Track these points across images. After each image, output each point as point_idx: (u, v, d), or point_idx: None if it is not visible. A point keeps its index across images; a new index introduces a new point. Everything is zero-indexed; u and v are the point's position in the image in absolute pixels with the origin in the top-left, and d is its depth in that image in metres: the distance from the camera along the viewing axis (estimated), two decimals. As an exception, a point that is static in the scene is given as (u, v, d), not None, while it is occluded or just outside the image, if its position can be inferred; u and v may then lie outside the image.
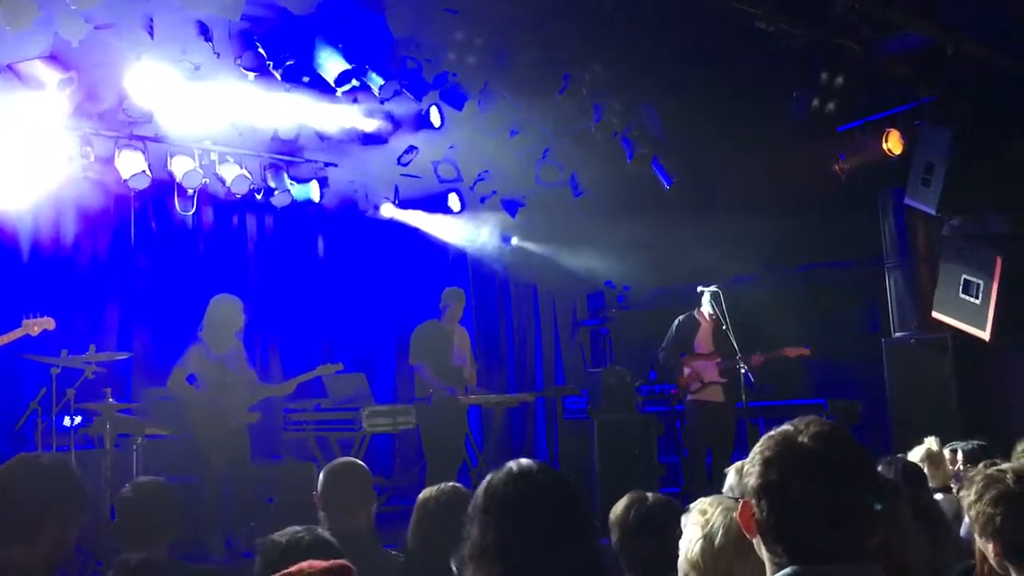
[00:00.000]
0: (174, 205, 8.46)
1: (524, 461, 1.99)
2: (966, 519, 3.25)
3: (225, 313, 6.97)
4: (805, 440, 1.71)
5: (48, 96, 6.76)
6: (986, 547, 2.56)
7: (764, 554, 1.75)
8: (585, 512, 1.97)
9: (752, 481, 1.74)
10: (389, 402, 8.61)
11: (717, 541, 2.26)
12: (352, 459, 4.00)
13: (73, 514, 2.80)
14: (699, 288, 8.24)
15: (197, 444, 6.77)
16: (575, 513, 1.93)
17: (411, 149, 8.78)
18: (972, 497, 2.59)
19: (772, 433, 1.77)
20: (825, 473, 1.68)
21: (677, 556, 2.97)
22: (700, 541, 2.32)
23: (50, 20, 5.98)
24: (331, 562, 1.85)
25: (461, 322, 8.34)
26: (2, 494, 2.74)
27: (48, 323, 6.42)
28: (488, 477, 1.97)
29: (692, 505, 2.48)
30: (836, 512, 1.66)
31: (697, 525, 2.36)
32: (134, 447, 6.50)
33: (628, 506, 3.01)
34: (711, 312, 8.11)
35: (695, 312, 8.35)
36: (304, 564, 1.85)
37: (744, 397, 7.82)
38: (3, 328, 6.47)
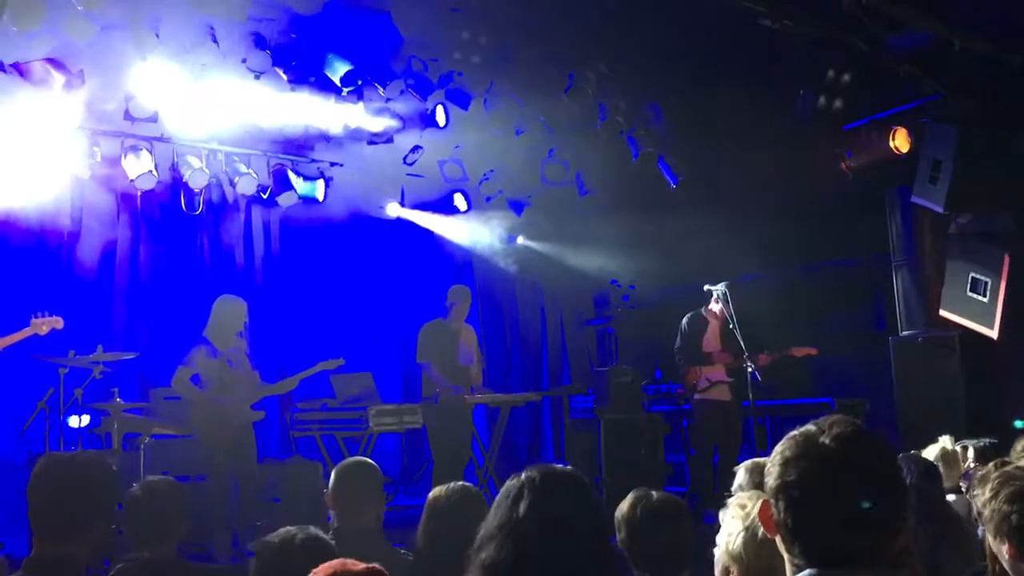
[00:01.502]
0: (180, 204, 8.48)
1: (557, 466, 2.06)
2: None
3: (229, 313, 6.99)
4: (827, 441, 1.67)
5: (55, 96, 6.77)
6: (1000, 548, 2.47)
7: (785, 554, 1.72)
8: (598, 513, 2.00)
9: (771, 481, 1.70)
10: (396, 401, 8.61)
11: (761, 533, 2.24)
12: (364, 458, 4.02)
13: (113, 510, 2.92)
14: (706, 287, 8.23)
15: (202, 443, 6.78)
16: (589, 512, 1.96)
17: (416, 148, 8.79)
18: (987, 495, 2.52)
19: (794, 433, 1.73)
20: (846, 475, 1.63)
21: (684, 552, 2.97)
22: (742, 534, 2.30)
23: (57, 20, 6.00)
24: (367, 566, 1.85)
25: (468, 320, 8.33)
26: (54, 493, 2.81)
27: (57, 322, 6.44)
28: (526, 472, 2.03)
29: (730, 500, 2.47)
30: (856, 514, 1.62)
31: (738, 519, 2.35)
32: (141, 446, 6.50)
33: (634, 504, 3.01)
34: (719, 310, 8.11)
35: (702, 310, 8.35)
36: (337, 563, 1.85)
37: (751, 396, 7.80)
38: (12, 327, 6.50)
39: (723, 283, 8.09)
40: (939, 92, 7.66)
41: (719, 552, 2.38)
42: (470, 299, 8.23)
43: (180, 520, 3.54)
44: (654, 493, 3.04)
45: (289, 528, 2.48)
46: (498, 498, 2.01)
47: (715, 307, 8.17)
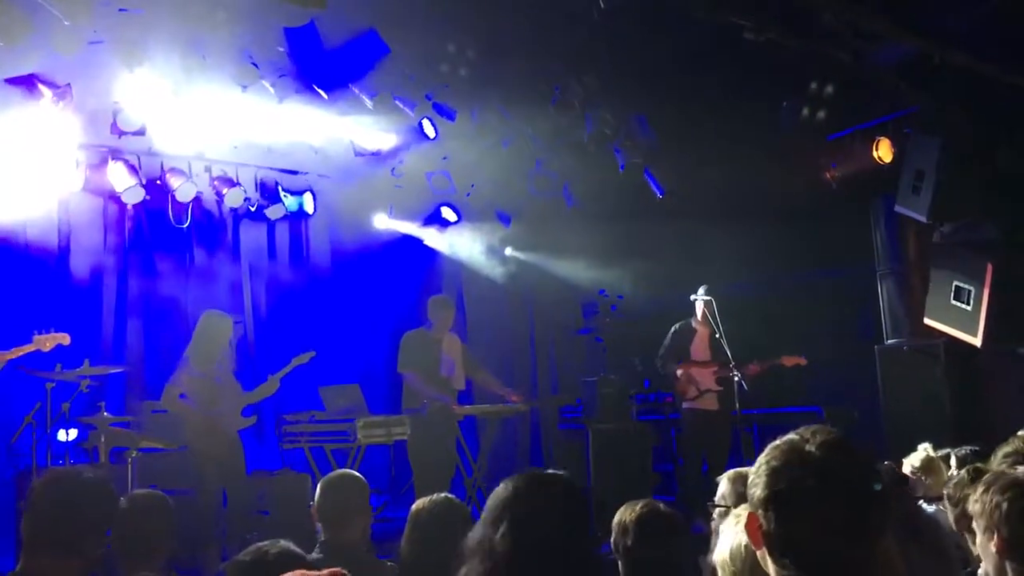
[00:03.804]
0: (168, 218, 8.48)
1: (545, 472, 2.05)
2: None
3: (215, 330, 7.01)
4: (812, 449, 1.67)
5: (42, 110, 6.78)
6: (987, 545, 2.43)
7: (770, 567, 1.70)
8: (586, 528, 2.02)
9: (758, 492, 1.69)
10: (384, 413, 8.60)
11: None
12: (349, 471, 4.03)
13: (107, 531, 2.91)
14: (692, 297, 8.29)
15: (194, 458, 6.79)
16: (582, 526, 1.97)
17: (402, 160, 8.81)
18: (978, 493, 2.49)
19: (778, 442, 1.73)
20: (834, 483, 1.64)
21: (680, 564, 2.98)
22: (742, 545, 2.31)
23: (44, 35, 6.00)
24: (330, 570, 1.85)
25: (457, 331, 8.34)
26: (48, 507, 2.82)
27: (63, 338, 6.36)
28: (509, 482, 2.02)
29: (735, 510, 2.47)
30: (845, 522, 1.63)
31: (737, 528, 2.35)
32: (129, 460, 6.49)
33: (633, 513, 3.01)
34: (703, 316, 8.17)
35: (691, 320, 8.40)
36: (297, 574, 1.85)
37: (738, 405, 7.84)
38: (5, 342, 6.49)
39: (703, 287, 8.16)
40: (921, 103, 7.74)
41: (717, 562, 2.38)
42: (451, 308, 8.23)
43: (168, 535, 3.54)
44: (657, 504, 3.05)
45: (260, 544, 2.44)
46: (498, 492, 2.02)
47: (700, 315, 8.23)
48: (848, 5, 6.57)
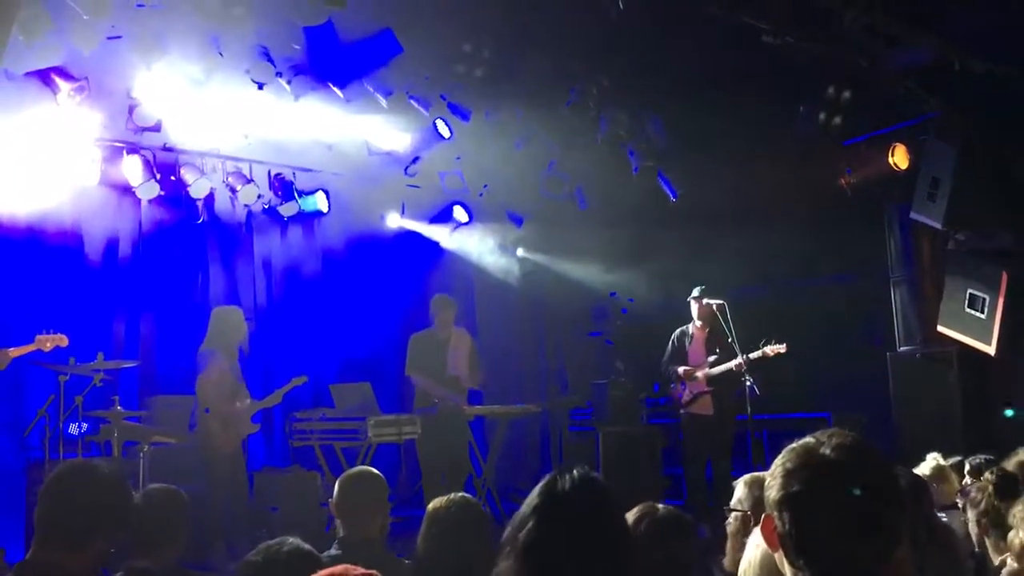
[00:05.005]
0: (182, 214, 8.50)
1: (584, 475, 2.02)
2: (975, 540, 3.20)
3: (231, 323, 7.06)
4: (828, 452, 1.68)
5: (59, 105, 6.81)
6: None
7: (787, 569, 1.71)
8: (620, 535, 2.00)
9: (774, 493, 1.70)
10: (393, 411, 8.61)
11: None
12: (370, 468, 4.04)
13: (120, 526, 2.88)
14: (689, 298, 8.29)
15: (206, 453, 6.81)
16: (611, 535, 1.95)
17: (416, 159, 8.83)
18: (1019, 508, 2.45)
19: (794, 445, 1.73)
20: (849, 485, 1.64)
21: (687, 568, 2.96)
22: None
23: (63, 31, 6.03)
24: (366, 572, 1.85)
25: (469, 331, 8.35)
26: (61, 499, 2.81)
27: (61, 340, 6.43)
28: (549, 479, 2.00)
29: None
30: (860, 525, 1.63)
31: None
32: (141, 455, 6.51)
33: (639, 518, 2.99)
34: (699, 318, 8.14)
35: (689, 325, 8.38)
36: (340, 569, 1.85)
37: (748, 410, 7.80)
38: (13, 335, 6.51)
39: (697, 288, 8.15)
40: (938, 110, 7.71)
41: (744, 566, 2.36)
42: (452, 306, 8.26)
43: (181, 529, 3.55)
44: (660, 507, 3.03)
45: (270, 543, 2.44)
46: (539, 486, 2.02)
47: (697, 319, 8.21)
48: (867, 8, 6.55)
